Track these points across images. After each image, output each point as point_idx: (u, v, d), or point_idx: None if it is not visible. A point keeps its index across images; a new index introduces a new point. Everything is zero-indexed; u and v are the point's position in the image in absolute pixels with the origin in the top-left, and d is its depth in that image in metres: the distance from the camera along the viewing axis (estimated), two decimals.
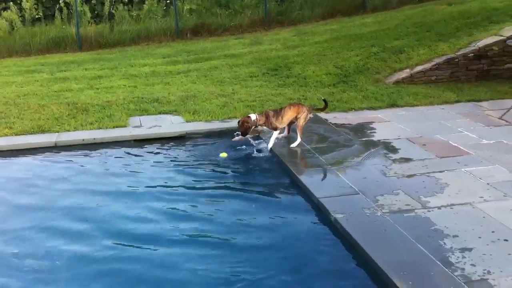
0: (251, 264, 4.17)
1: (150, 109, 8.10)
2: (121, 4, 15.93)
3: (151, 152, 6.69)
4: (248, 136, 6.50)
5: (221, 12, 15.54)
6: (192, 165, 6.24)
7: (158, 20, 15.24)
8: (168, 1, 16.25)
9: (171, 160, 6.41)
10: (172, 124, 7.47)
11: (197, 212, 5.07)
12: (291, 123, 6.65)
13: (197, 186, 5.66)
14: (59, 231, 4.77)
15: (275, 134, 6.54)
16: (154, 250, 4.41)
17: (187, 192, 5.52)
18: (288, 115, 6.51)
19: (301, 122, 6.51)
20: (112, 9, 15.70)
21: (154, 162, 6.36)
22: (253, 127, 6.43)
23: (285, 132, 6.79)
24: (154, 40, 14.39)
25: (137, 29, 14.77)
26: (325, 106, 6.85)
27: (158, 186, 5.68)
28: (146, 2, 16.09)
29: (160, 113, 7.99)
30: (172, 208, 5.14)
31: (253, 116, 6.40)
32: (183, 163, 6.29)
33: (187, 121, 7.56)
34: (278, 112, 6.50)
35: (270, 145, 6.50)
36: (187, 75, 10.22)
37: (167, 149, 6.77)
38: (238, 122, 6.49)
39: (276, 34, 13.85)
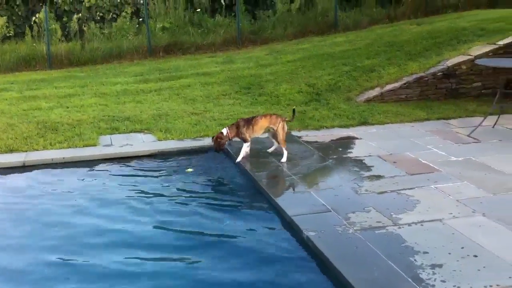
0: (222, 284, 4.12)
1: (121, 128, 8.02)
2: (93, 22, 15.85)
3: (121, 171, 6.60)
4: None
5: (193, 31, 15.57)
6: (162, 183, 6.17)
7: (130, 38, 15.18)
8: (140, 19, 16.23)
9: (141, 179, 6.33)
10: (143, 143, 7.40)
11: (163, 231, 5.01)
12: (274, 136, 6.61)
13: (165, 205, 5.62)
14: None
15: (245, 146, 6.54)
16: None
17: (155, 211, 5.45)
18: (260, 125, 6.52)
19: (280, 134, 6.50)
20: (84, 26, 15.60)
21: (122, 181, 6.27)
22: (227, 141, 6.45)
23: (273, 147, 6.77)
24: (126, 58, 14.31)
25: (108, 47, 14.67)
26: (293, 116, 6.85)
27: (127, 203, 5.60)
28: (118, 20, 16.05)
29: (131, 131, 7.91)
30: (139, 226, 5.08)
31: (224, 131, 6.45)
32: (154, 181, 6.22)
33: (158, 140, 7.50)
34: (249, 122, 6.51)
35: (239, 158, 6.49)
36: (159, 94, 10.17)
37: (138, 168, 6.69)
38: (212, 138, 6.49)
39: (249, 52, 13.92)
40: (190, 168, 6.51)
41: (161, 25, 15.70)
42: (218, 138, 6.44)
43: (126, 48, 14.63)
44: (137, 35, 15.49)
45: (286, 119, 6.82)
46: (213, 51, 14.68)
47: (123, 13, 16.36)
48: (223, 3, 16.60)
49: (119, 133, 7.86)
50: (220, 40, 15.19)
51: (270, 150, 6.78)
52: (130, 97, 9.99)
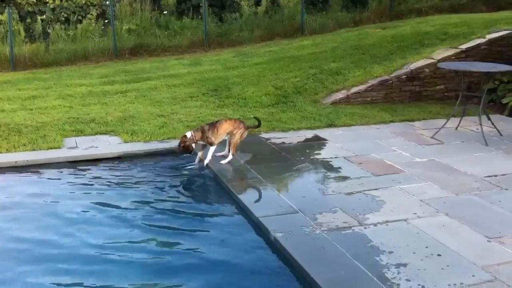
0: (188, 285, 4.10)
1: (86, 130, 7.90)
2: (58, 23, 15.59)
3: (85, 174, 6.50)
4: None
5: (160, 33, 15.46)
6: (128, 185, 6.11)
7: (95, 39, 14.98)
8: (106, 21, 16.04)
9: (107, 181, 6.24)
10: (109, 145, 7.31)
11: (131, 233, 4.96)
12: (230, 139, 6.63)
13: (131, 207, 5.55)
14: None
15: (212, 149, 6.55)
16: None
17: (121, 215, 5.37)
18: (224, 128, 6.55)
19: (236, 138, 6.54)
20: (48, 28, 15.33)
21: (87, 183, 6.18)
22: (193, 143, 6.48)
23: (226, 151, 6.77)
24: (91, 60, 14.11)
25: (73, 48, 14.45)
26: (258, 125, 6.90)
27: (93, 207, 5.52)
28: (84, 21, 15.83)
29: (96, 133, 7.80)
30: (105, 229, 5.01)
31: (188, 134, 6.48)
32: (119, 184, 6.15)
33: (124, 142, 7.41)
34: (213, 125, 6.56)
35: (207, 161, 6.50)
36: (125, 95, 10.06)
37: (103, 170, 6.60)
38: (178, 144, 6.49)
39: (216, 55, 13.90)
40: (190, 166, 6.62)
41: (127, 27, 15.55)
42: (182, 143, 6.47)
43: (92, 49, 14.44)
44: (103, 37, 15.31)
45: (250, 127, 6.88)
46: (180, 53, 14.61)
47: (89, 15, 16.14)
48: (190, 5, 16.53)
49: (84, 135, 7.74)
50: (187, 42, 15.14)
51: (221, 153, 6.75)
52: (96, 99, 9.85)
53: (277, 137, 7.67)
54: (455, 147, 7.09)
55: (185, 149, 6.49)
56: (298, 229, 4.73)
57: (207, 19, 15.53)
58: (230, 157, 6.55)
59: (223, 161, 6.52)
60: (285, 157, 6.77)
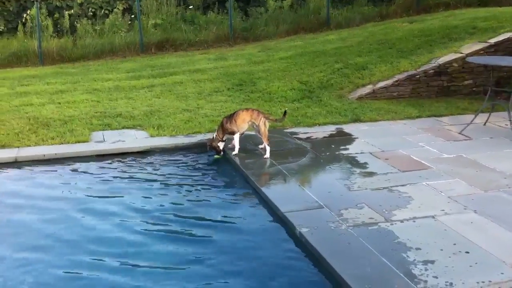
0: (217, 279, 4.13)
1: (113, 124, 8.00)
2: (85, 18, 15.77)
3: (114, 167, 6.58)
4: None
5: (186, 28, 15.53)
6: (154, 179, 6.17)
7: (122, 34, 15.13)
8: (132, 16, 16.17)
9: (134, 174, 6.32)
10: (136, 139, 7.38)
11: (159, 228, 5.01)
12: (259, 132, 6.69)
13: (158, 200, 5.61)
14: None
15: (236, 137, 6.68)
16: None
17: (147, 208, 5.44)
18: (241, 117, 6.64)
19: (262, 129, 6.59)
20: (76, 23, 15.53)
21: (116, 177, 6.26)
22: (219, 142, 6.66)
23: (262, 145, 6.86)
24: (118, 55, 14.26)
25: (100, 43, 14.62)
26: (283, 117, 6.92)
27: (122, 200, 5.59)
28: (110, 16, 15.98)
29: (123, 128, 7.89)
30: (130, 223, 5.08)
31: (212, 135, 6.77)
32: (147, 178, 6.21)
33: (151, 136, 7.48)
34: (231, 117, 6.71)
35: (236, 149, 6.66)
36: (151, 90, 10.14)
37: (130, 164, 6.68)
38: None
39: (241, 49, 13.91)
40: (218, 155, 6.73)
41: (153, 22, 15.66)
42: (209, 144, 6.77)
43: (118, 44, 14.58)
44: (129, 32, 15.45)
45: (270, 116, 6.92)
46: (205, 48, 14.67)
47: (115, 10, 16.30)
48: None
49: (111, 129, 7.83)
50: (213, 37, 15.18)
51: (261, 146, 6.82)
52: (122, 93, 9.95)
53: (302, 132, 7.65)
54: (484, 143, 6.98)
55: (211, 148, 6.76)
56: (324, 225, 4.71)
57: (232, 14, 15.53)
58: (267, 148, 6.60)
59: (265, 156, 6.56)
60: (310, 152, 6.75)
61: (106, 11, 16.35)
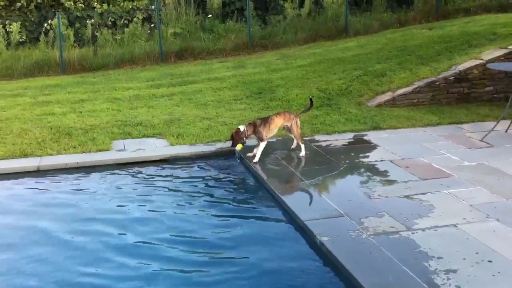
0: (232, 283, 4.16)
1: (133, 133, 8.08)
2: (105, 28, 15.98)
3: (135, 175, 6.65)
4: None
5: (205, 36, 15.64)
6: (174, 187, 6.22)
7: (142, 43, 15.28)
8: (152, 25, 16.34)
9: (156, 183, 6.38)
10: (156, 148, 7.45)
11: (179, 235, 5.05)
12: (291, 132, 6.93)
13: (177, 210, 5.66)
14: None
15: (262, 145, 6.72)
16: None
17: (168, 216, 5.51)
18: (275, 123, 6.79)
19: (295, 130, 6.85)
20: (96, 32, 15.74)
21: (138, 185, 6.33)
22: (243, 137, 6.70)
23: (295, 143, 7.09)
24: (138, 64, 14.40)
25: (120, 52, 14.78)
26: (310, 106, 7.09)
27: (146, 208, 5.65)
28: (130, 26, 16.16)
29: (143, 136, 7.97)
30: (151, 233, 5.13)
31: (241, 127, 6.68)
32: (168, 186, 6.27)
33: (171, 145, 7.54)
34: (265, 120, 6.75)
35: (257, 158, 6.69)
36: (171, 99, 10.22)
37: (151, 173, 6.73)
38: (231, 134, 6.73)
39: (259, 57, 13.95)
40: (241, 144, 6.74)
41: (172, 31, 15.78)
42: (236, 133, 6.66)
43: (138, 53, 14.72)
44: (149, 41, 15.60)
45: (298, 113, 7.17)
46: (224, 56, 14.75)
47: (135, 19, 16.48)
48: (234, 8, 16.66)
49: (131, 138, 7.91)
50: (231, 45, 15.25)
51: (293, 146, 7.08)
52: (142, 102, 10.05)
53: (321, 139, 7.65)
54: (506, 150, 6.91)
55: (235, 140, 6.66)
56: (344, 233, 4.70)
57: (251, 22, 15.61)
58: (303, 147, 6.84)
59: (301, 154, 6.83)
60: (330, 160, 6.74)
61: (126, 21, 16.54)
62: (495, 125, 7.54)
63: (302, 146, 6.85)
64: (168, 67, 13.74)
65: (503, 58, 9.61)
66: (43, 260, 4.65)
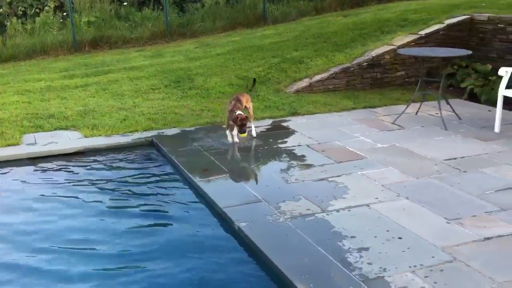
0: (152, 278, 4.07)
1: (45, 126, 7.73)
2: (15, 17, 15.18)
3: (45, 170, 6.37)
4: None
5: (120, 25, 15.21)
6: (89, 180, 6.02)
7: (54, 33, 14.64)
8: (64, 14, 15.69)
9: (67, 177, 6.15)
10: (69, 140, 7.17)
11: (92, 226, 4.90)
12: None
13: (92, 200, 5.51)
14: None
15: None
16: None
17: (84, 205, 5.34)
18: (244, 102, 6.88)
19: (251, 110, 7.08)
20: (6, 22, 14.91)
21: (47, 179, 6.07)
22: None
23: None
24: (50, 54, 13.78)
25: (32, 42, 14.07)
26: (253, 85, 7.35)
27: (55, 202, 5.43)
28: (41, 15, 15.45)
29: (56, 129, 7.64)
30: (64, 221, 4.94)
31: (238, 112, 6.52)
32: (80, 179, 6.05)
33: (85, 137, 7.28)
34: (240, 102, 6.76)
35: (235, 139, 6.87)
36: (85, 89, 9.87)
37: (63, 166, 6.48)
38: (236, 119, 6.45)
39: (178, 46, 13.76)
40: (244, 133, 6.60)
41: (86, 19, 15.22)
42: (246, 118, 6.54)
43: (51, 43, 14.08)
44: (62, 30, 14.96)
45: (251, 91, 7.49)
46: (141, 45, 14.41)
47: (46, 8, 15.76)
48: None
49: (43, 131, 7.57)
50: (148, 34, 14.92)
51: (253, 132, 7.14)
52: (55, 93, 9.64)
53: None
54: (416, 132, 7.20)
55: (244, 126, 6.48)
56: (262, 218, 4.74)
57: (168, 10, 15.34)
58: (253, 125, 7.13)
59: (254, 133, 7.03)
60: (249, 147, 6.76)
61: (37, 10, 15.78)
62: (406, 108, 7.84)
63: (253, 125, 7.13)
64: (83, 56, 13.25)
65: (413, 43, 9.99)
66: None
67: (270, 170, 6.01)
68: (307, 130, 7.35)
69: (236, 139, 6.82)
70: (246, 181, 5.70)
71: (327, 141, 6.86)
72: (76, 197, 5.59)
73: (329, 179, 5.59)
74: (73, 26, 14.28)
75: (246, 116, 6.60)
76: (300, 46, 11.44)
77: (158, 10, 16.08)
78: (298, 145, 6.74)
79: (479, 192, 5.13)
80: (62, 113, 8.29)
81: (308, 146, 6.71)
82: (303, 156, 6.36)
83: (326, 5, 16.48)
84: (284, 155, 6.43)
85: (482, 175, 5.58)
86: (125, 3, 16.37)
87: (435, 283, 3.64)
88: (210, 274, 4.15)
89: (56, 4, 16.01)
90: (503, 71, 7.07)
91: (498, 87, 7.13)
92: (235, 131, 6.74)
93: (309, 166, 6.01)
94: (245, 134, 6.59)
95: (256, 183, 5.69)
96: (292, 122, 7.80)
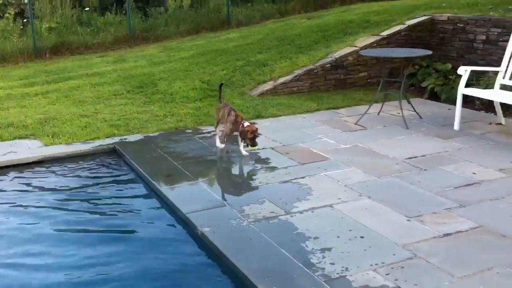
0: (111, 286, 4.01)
1: (4, 135, 7.54)
2: None
3: (1, 180, 6.21)
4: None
5: (82, 30, 14.99)
6: (51, 189, 5.90)
7: (14, 40, 14.33)
8: (25, 20, 15.39)
9: (24, 186, 6.00)
10: (29, 149, 7.00)
11: (48, 237, 4.80)
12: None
13: (48, 211, 5.39)
14: None
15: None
16: None
17: (44, 216, 5.21)
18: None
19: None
20: None
21: (2, 190, 5.92)
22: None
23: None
24: (10, 61, 13.47)
25: None
26: (220, 89, 7.00)
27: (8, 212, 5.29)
28: (1, 22, 15.11)
29: (15, 138, 7.46)
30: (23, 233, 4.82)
31: (246, 124, 6.35)
32: (41, 189, 5.92)
33: (45, 145, 7.13)
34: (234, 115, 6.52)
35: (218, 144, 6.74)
36: (45, 97, 9.67)
37: (21, 176, 6.32)
38: (246, 132, 6.24)
39: (141, 50, 13.63)
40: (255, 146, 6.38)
41: (47, 25, 14.96)
42: (255, 131, 6.29)
43: (10, 50, 13.78)
44: (22, 37, 14.66)
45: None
46: (103, 50, 14.23)
47: (6, 15, 15.44)
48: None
49: (2, 140, 7.38)
50: (111, 39, 14.74)
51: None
52: (14, 102, 9.42)
53: (205, 131, 7.61)
54: (378, 132, 7.28)
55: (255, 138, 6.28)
56: (226, 222, 4.71)
57: (130, 15, 15.19)
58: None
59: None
60: (212, 151, 6.73)
61: None
62: (368, 109, 7.92)
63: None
64: (43, 63, 13.00)
65: (375, 44, 10.12)
66: None
67: (234, 174, 6.01)
68: (271, 133, 7.36)
69: (220, 145, 6.74)
70: (210, 185, 5.65)
71: (291, 143, 6.87)
72: (34, 206, 5.46)
73: (293, 181, 5.60)
74: (33, 32, 14.01)
75: (257, 128, 6.41)
76: (264, 49, 11.46)
77: (121, 15, 15.93)
78: (263, 148, 6.72)
79: (439, 190, 5.21)
80: (21, 121, 8.10)
81: (272, 148, 6.72)
82: (267, 158, 6.36)
83: (290, 8, 16.58)
84: (249, 158, 6.42)
85: (442, 173, 5.68)
86: (87, 8, 16.15)
87: (396, 280, 3.67)
88: (172, 281, 4.10)
89: (17, 11, 15.69)
90: (462, 70, 7.21)
91: (458, 85, 7.27)
92: (218, 141, 6.72)
93: (273, 168, 6.01)
94: (255, 147, 6.38)
95: (220, 187, 5.67)
96: (257, 125, 7.74)
